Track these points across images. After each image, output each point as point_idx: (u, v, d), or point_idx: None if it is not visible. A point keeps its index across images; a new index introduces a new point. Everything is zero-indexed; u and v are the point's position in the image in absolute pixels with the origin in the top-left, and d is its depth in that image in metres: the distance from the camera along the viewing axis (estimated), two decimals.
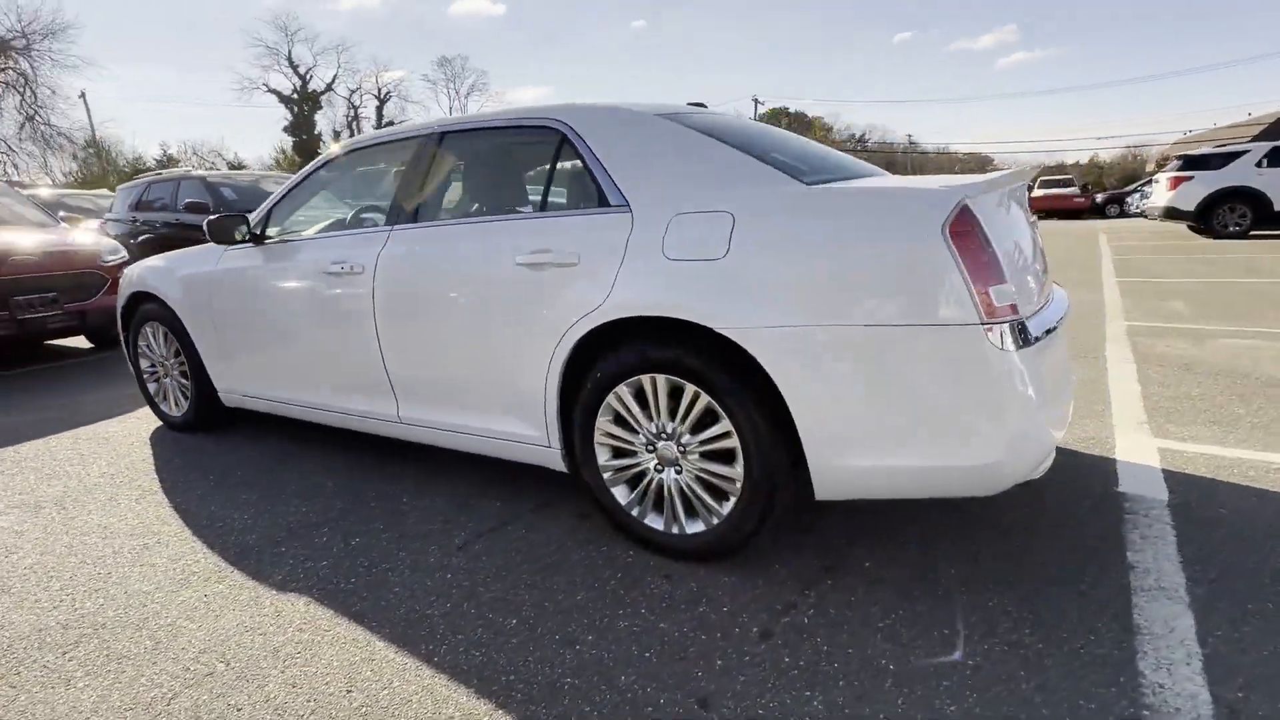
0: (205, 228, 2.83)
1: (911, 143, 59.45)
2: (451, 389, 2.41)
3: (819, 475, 1.81)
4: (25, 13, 42.32)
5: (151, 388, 3.60)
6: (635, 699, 1.53)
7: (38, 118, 31.46)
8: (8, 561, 2.28)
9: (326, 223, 3.08)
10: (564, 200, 2.18)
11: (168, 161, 39.73)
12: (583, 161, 2.14)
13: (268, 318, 2.92)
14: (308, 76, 42.51)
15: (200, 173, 8.61)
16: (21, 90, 31.41)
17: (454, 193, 2.49)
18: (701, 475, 1.98)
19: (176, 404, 3.49)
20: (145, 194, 8.57)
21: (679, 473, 2.02)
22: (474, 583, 2.02)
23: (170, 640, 1.82)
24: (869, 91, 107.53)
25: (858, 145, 60.75)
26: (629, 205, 2.01)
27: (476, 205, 2.48)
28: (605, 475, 2.14)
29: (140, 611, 1.96)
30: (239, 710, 1.55)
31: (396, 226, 2.52)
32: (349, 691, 1.60)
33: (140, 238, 8.21)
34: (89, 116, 35.78)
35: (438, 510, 2.50)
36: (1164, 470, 2.56)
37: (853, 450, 1.75)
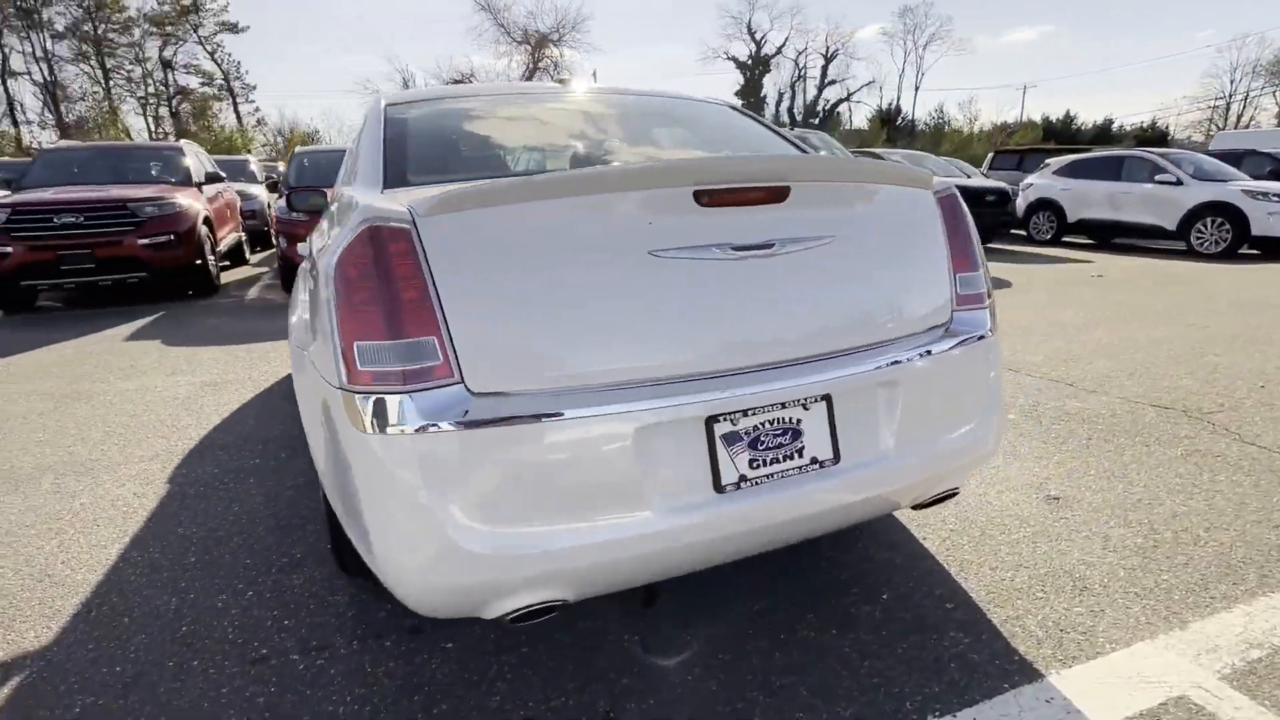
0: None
1: None
2: None
3: None
4: (561, 12, 55.14)
5: None
6: (55, 674, 1.53)
7: None
8: (85, 406, 3.31)
9: None
10: None
11: None
12: None
13: None
14: (762, 41, 45.03)
15: None
16: (553, 73, 41.35)
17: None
18: None
19: None
20: None
21: None
22: (204, 530, 2.18)
23: (9, 491, 2.47)
24: None
25: None
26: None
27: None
28: None
29: (48, 465, 2.69)
30: None
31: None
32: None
33: None
34: None
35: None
36: None
37: None
